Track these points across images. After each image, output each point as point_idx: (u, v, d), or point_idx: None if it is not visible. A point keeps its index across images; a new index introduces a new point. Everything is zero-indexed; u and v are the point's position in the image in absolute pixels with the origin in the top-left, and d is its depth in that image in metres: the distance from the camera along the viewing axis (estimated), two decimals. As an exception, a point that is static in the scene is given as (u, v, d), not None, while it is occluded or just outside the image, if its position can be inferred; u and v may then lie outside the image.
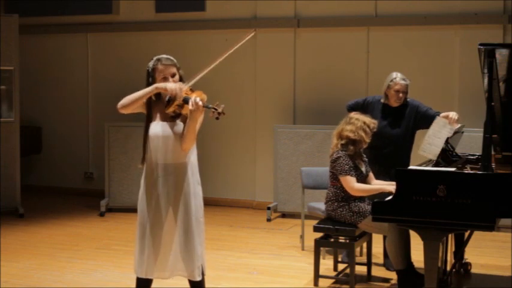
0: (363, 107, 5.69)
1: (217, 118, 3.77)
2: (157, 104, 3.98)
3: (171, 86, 3.84)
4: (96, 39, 9.26)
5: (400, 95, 5.54)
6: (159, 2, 8.85)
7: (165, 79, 3.93)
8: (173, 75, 3.95)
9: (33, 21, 9.32)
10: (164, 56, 4.00)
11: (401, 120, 5.60)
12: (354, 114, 5.26)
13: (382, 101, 5.66)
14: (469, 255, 5.71)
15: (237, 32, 8.33)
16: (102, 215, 8.00)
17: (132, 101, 3.93)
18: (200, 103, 3.75)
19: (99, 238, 6.94)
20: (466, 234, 4.86)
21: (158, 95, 4.00)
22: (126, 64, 8.96)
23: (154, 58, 3.99)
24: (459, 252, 5.36)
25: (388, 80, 5.57)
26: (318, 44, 8.16)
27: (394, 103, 5.59)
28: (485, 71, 4.31)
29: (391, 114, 5.61)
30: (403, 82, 5.53)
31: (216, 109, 3.75)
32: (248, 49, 8.39)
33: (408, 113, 5.63)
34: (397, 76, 5.54)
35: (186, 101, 3.84)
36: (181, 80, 3.99)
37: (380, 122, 5.46)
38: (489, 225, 4.19)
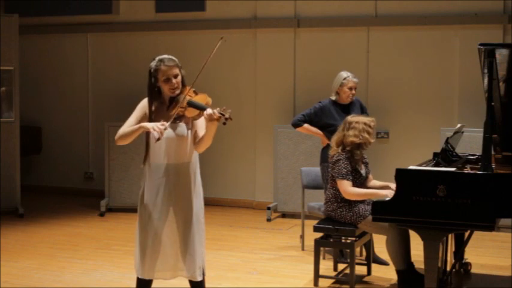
0: (316, 115, 6.04)
1: (224, 123, 3.76)
2: (160, 106, 3.97)
3: (153, 126, 3.81)
4: (96, 39, 9.26)
5: (353, 91, 5.97)
6: (159, 2, 8.85)
7: (167, 80, 3.91)
8: (176, 76, 3.92)
9: (33, 21, 9.32)
10: (166, 56, 3.96)
11: (353, 112, 5.84)
12: (352, 118, 5.28)
13: (333, 99, 6.02)
14: (469, 255, 5.71)
15: (237, 32, 8.35)
16: (102, 215, 8.00)
17: (124, 137, 3.99)
18: (215, 114, 3.73)
19: (99, 238, 6.94)
20: (466, 234, 4.86)
21: (159, 96, 3.98)
22: (126, 64, 8.96)
23: (157, 59, 3.96)
24: (459, 252, 5.36)
25: (340, 79, 5.97)
26: (318, 44, 8.16)
27: (346, 100, 5.99)
28: (485, 71, 4.31)
29: (344, 110, 5.95)
30: (355, 80, 5.98)
31: (223, 114, 3.74)
32: (248, 49, 8.40)
33: (355, 106, 6.06)
34: (349, 75, 5.96)
35: (191, 104, 3.82)
36: (183, 80, 3.98)
37: (337, 119, 5.77)
38: (489, 225, 4.19)
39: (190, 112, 3.85)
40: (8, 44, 7.87)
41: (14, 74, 7.93)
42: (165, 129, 3.80)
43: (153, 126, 3.81)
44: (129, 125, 3.98)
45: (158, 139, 3.79)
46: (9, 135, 7.94)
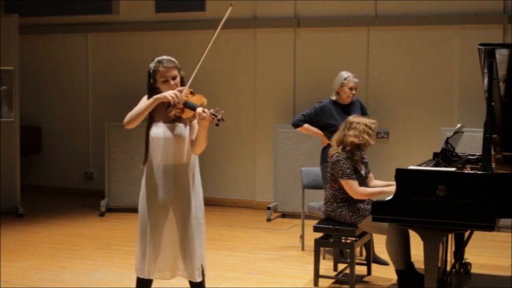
0: (317, 115, 6.04)
1: (217, 125, 3.76)
2: (159, 106, 3.97)
3: (170, 93, 3.81)
4: (96, 39, 9.26)
5: (354, 92, 5.96)
6: (159, 2, 8.85)
7: (166, 82, 3.91)
8: (174, 78, 3.92)
9: (33, 21, 9.32)
10: (165, 57, 3.96)
11: (353, 113, 5.84)
12: (353, 118, 5.28)
13: (334, 99, 6.02)
14: (469, 255, 5.71)
15: (237, 32, 8.34)
16: (102, 215, 8.00)
17: (135, 116, 3.91)
18: (206, 114, 3.72)
19: (99, 238, 6.94)
20: (466, 234, 4.86)
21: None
22: (126, 64, 8.96)
23: (156, 60, 3.95)
24: (459, 252, 5.36)
25: (340, 79, 5.96)
26: (318, 44, 8.16)
27: (346, 100, 5.98)
28: (485, 71, 4.31)
29: (344, 110, 5.96)
30: (355, 80, 5.97)
31: (215, 115, 3.74)
32: (248, 49, 8.40)
33: (356, 106, 6.06)
34: (349, 75, 5.94)
35: (187, 105, 3.82)
36: (182, 81, 3.98)
37: (338, 119, 5.78)
38: (489, 225, 4.19)
39: (186, 113, 3.85)
40: (8, 44, 7.87)
41: (14, 74, 7.93)
42: (181, 95, 3.80)
43: (169, 94, 3.80)
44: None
45: (174, 105, 3.79)
46: (9, 135, 7.94)
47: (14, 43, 7.93)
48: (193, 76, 3.93)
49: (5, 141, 7.90)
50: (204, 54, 3.92)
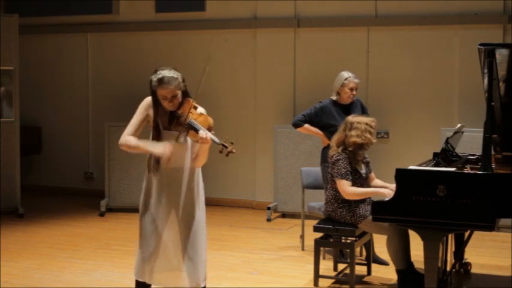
0: (317, 115, 6.03)
1: (226, 155, 3.77)
2: (164, 114, 3.95)
3: (166, 152, 3.82)
4: (96, 39, 9.26)
5: (354, 92, 5.94)
6: (159, 2, 8.85)
7: (164, 99, 3.87)
8: (174, 96, 3.85)
9: (33, 21, 9.32)
10: (167, 75, 3.83)
11: (354, 113, 5.80)
12: (353, 118, 5.26)
13: (334, 99, 6.00)
14: (469, 255, 5.71)
15: (237, 32, 8.34)
16: (102, 215, 8.00)
17: (131, 148, 3.94)
18: (209, 139, 3.74)
19: (99, 238, 6.94)
20: (466, 234, 4.86)
21: (159, 104, 3.95)
22: (126, 64, 8.96)
23: (157, 75, 3.84)
24: (459, 252, 5.36)
25: (341, 79, 5.94)
26: (318, 44, 8.16)
27: (347, 100, 5.98)
28: (485, 71, 4.31)
29: (344, 111, 5.93)
30: (356, 80, 5.95)
31: (225, 146, 3.75)
32: (248, 49, 8.40)
33: (356, 106, 6.04)
34: (350, 75, 5.92)
35: (192, 126, 3.81)
36: (185, 92, 3.93)
37: (338, 119, 5.75)
38: (489, 225, 4.20)
39: (192, 135, 3.84)
40: (8, 44, 7.87)
41: (14, 74, 7.93)
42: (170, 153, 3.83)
43: (165, 152, 3.82)
44: (132, 128, 3.95)
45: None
46: (9, 135, 7.93)
47: (14, 43, 7.93)
48: (197, 90, 3.90)
49: (5, 141, 7.90)
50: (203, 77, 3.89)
